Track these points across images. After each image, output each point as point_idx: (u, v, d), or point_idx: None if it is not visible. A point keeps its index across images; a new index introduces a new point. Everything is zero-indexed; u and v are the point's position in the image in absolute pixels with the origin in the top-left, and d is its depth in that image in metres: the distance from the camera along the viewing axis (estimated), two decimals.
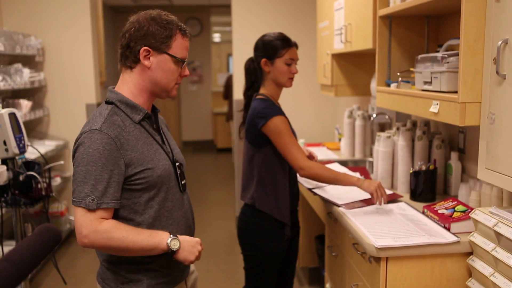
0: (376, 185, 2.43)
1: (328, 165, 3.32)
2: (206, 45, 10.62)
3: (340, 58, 3.82)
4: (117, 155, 1.63)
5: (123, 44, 1.72)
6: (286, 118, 2.55)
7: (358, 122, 3.95)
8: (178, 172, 1.81)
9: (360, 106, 4.32)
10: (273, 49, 2.58)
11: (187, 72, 1.79)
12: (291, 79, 2.63)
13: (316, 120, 5.46)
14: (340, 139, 4.46)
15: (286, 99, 5.36)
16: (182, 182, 1.83)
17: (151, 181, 1.70)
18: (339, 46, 3.57)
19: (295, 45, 2.63)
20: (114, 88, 1.77)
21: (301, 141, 4.42)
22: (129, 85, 1.75)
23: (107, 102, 1.75)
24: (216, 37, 13.51)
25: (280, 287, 2.86)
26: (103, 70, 6.06)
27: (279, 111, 2.53)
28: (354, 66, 3.81)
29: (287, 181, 2.61)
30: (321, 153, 4.19)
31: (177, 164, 1.82)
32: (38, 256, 1.60)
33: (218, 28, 12.79)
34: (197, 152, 10.44)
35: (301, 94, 5.43)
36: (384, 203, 2.45)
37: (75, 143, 1.67)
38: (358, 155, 3.99)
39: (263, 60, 2.60)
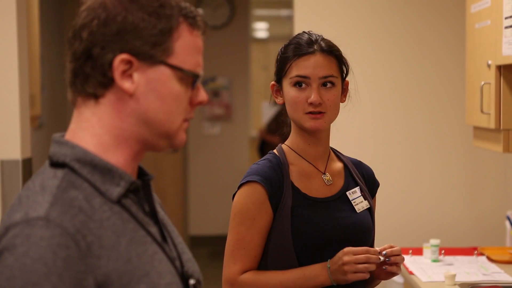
0: (343, 268, 1.98)
1: None
2: (240, 45, 6.94)
3: None
4: (80, 269, 1.13)
5: (78, 52, 1.20)
6: (273, 187, 2.02)
7: None
8: None
9: None
10: (281, 62, 2.05)
11: (203, 96, 1.26)
12: (313, 115, 1.92)
13: (463, 201, 4.12)
14: None
15: (393, 160, 4.04)
16: None
17: None
18: None
19: (318, 49, 1.96)
20: (64, 136, 1.26)
21: (434, 244, 3.26)
22: (94, 129, 1.25)
23: (54, 164, 1.24)
24: (261, 30, 9.45)
25: None
26: (38, 93, 4.31)
27: (258, 177, 2.02)
28: None
29: None
30: (475, 269, 3.22)
31: (191, 282, 1.32)
32: None
33: (264, 12, 9.72)
34: (217, 257, 5.77)
35: (429, 147, 3.99)
36: (381, 259, 2.05)
37: None
38: None
39: (272, 83, 2.14)
